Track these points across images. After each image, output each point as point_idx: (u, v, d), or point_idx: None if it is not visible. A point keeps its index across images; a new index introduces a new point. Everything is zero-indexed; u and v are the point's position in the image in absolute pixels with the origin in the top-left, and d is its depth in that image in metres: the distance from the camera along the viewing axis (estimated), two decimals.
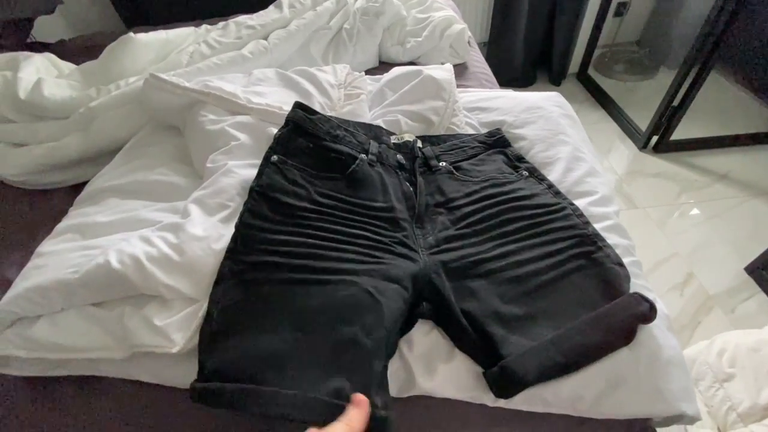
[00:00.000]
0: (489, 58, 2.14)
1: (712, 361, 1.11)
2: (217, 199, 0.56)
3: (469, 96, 0.81)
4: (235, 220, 0.55)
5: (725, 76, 2.03)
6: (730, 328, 1.24)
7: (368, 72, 1.08)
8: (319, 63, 1.00)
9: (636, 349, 0.47)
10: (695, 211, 1.55)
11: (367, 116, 0.76)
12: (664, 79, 2.15)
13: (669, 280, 1.36)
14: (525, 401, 0.47)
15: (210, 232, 0.52)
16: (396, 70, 0.82)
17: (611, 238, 0.58)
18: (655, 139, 1.77)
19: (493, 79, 1.06)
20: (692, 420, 0.49)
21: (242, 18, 1.06)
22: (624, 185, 1.68)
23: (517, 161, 0.66)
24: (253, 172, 0.62)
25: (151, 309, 0.50)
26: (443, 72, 0.79)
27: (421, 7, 1.13)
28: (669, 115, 1.67)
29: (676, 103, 1.63)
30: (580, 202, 0.62)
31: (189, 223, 0.53)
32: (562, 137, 0.69)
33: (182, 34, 1.01)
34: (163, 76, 0.70)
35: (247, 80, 0.79)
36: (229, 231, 0.54)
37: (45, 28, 1.59)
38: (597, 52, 2.19)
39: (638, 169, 1.74)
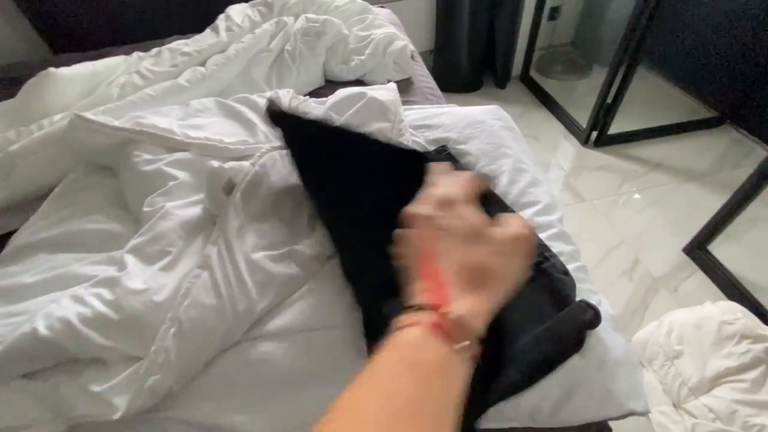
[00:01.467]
0: (436, 66, 2.21)
1: (662, 341, 1.19)
2: (156, 246, 0.53)
3: (414, 114, 0.83)
4: (179, 266, 0.53)
5: (652, 72, 2.20)
6: (676, 306, 1.34)
7: (315, 92, 1.08)
8: (262, 87, 0.98)
9: (586, 354, 0.49)
10: (636, 199, 1.66)
11: None
12: (598, 77, 2.30)
13: (619, 267, 1.44)
14: (487, 418, 0.47)
15: (150, 283, 0.49)
16: (340, 93, 0.81)
17: (557, 246, 0.61)
18: (594, 134, 1.88)
19: (438, 92, 1.09)
20: (642, 414, 0.52)
21: (177, 44, 1.02)
22: (571, 180, 1.78)
23: None
24: (196, 210, 0.59)
25: (90, 374, 0.47)
26: (387, 92, 0.79)
27: (362, 24, 1.14)
28: (605, 112, 1.79)
29: (609, 100, 1.75)
30: (525, 213, 0.64)
31: (126, 275, 0.49)
32: (504, 150, 0.72)
33: (112, 64, 0.95)
34: (90, 115, 0.66)
35: (184, 112, 0.76)
36: (173, 279, 0.51)
37: None
38: (536, 55, 2.30)
39: (582, 163, 1.84)
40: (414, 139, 0.78)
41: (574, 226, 1.57)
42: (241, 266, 0.52)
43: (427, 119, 0.81)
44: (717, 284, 1.36)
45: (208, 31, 1.07)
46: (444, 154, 0.72)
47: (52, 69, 0.84)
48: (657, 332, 1.20)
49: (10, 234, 0.65)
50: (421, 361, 0.24)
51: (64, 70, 0.85)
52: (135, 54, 1.03)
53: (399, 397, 0.23)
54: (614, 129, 1.84)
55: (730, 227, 1.33)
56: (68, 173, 0.74)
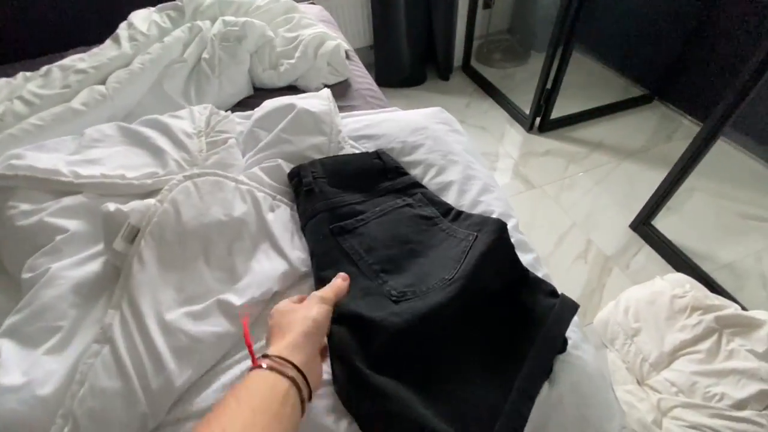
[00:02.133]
0: (377, 62, 2.14)
1: (621, 320, 1.22)
2: (40, 323, 0.42)
3: (353, 123, 0.75)
4: (73, 344, 0.43)
5: (586, 56, 2.27)
6: (628, 283, 1.38)
7: (243, 101, 0.98)
8: (179, 102, 0.86)
9: (556, 383, 0.46)
10: (582, 182, 1.70)
11: (241, 164, 0.66)
12: (536, 62, 2.35)
13: (573, 251, 1.47)
14: None
15: (33, 373, 0.39)
16: (267, 105, 0.73)
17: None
18: (538, 120, 1.91)
19: (378, 93, 1.02)
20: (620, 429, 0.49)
21: (70, 60, 0.87)
22: (520, 167, 1.79)
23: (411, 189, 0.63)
24: (93, 267, 0.49)
25: None
26: (320, 102, 0.71)
27: (288, 25, 1.04)
28: (545, 98, 1.81)
29: (549, 86, 1.77)
30: None
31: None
32: (452, 157, 0.67)
33: None
34: None
35: (77, 144, 0.64)
36: (64, 363, 0.41)
37: None
38: (475, 44, 2.30)
39: (529, 150, 1.87)
40: (355, 153, 0.71)
41: (527, 214, 1.58)
42: (153, 332, 0.43)
43: (368, 128, 0.74)
44: (664, 257, 1.42)
45: (108, 42, 0.92)
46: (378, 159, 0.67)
47: None
48: (615, 311, 1.23)
49: None
50: (255, 388, 0.33)
51: None
52: (20, 75, 0.87)
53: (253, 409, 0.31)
54: (555, 113, 1.88)
55: (669, 200, 1.38)
56: None
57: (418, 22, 2.00)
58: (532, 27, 2.35)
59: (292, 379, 0.34)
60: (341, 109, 0.88)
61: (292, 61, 0.95)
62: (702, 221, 1.51)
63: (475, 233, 0.54)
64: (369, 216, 0.59)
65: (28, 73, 0.88)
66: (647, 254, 1.45)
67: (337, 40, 1.00)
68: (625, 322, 1.20)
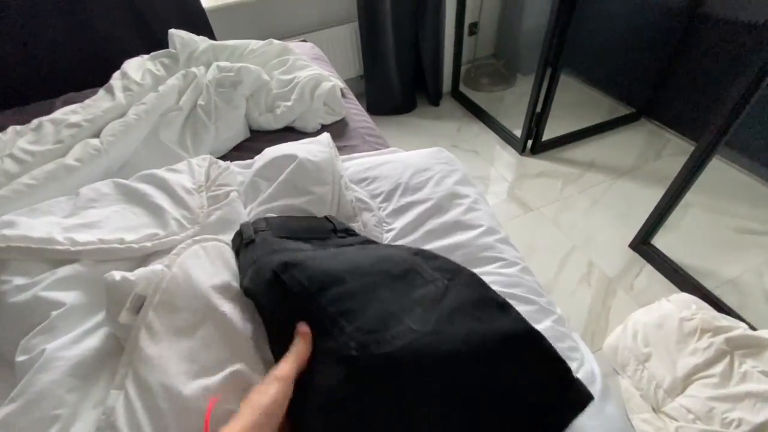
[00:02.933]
0: (368, 91, 2.17)
1: (630, 345, 1.20)
2: (36, 413, 0.39)
3: (354, 166, 0.75)
4: (74, 429, 0.40)
5: (573, 77, 2.33)
6: (634, 305, 1.37)
7: (241, 145, 0.97)
8: (176, 151, 0.85)
9: None
10: (579, 202, 1.71)
11: (243, 218, 0.65)
12: (523, 85, 2.41)
13: (576, 274, 1.46)
14: None
15: None
16: (268, 154, 0.71)
17: (528, 307, 0.55)
18: (530, 142, 1.93)
19: (376, 131, 1.02)
20: None
21: (62, 113, 0.86)
22: (516, 190, 1.80)
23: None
24: (92, 343, 0.46)
25: None
26: (321, 148, 0.71)
27: (283, 67, 1.05)
28: (536, 120, 1.84)
29: (538, 109, 1.80)
30: (487, 269, 0.58)
31: None
32: (457, 201, 0.66)
33: None
34: None
35: (72, 205, 0.62)
36: None
37: None
38: (463, 70, 2.35)
39: (523, 172, 1.88)
40: (357, 196, 0.70)
41: (526, 238, 1.58)
42: (165, 412, 0.40)
43: (369, 171, 0.73)
44: (666, 276, 1.42)
45: (101, 92, 0.92)
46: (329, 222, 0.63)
47: None
48: (624, 336, 1.22)
49: None
50: None
51: None
52: (10, 129, 0.85)
53: None
54: (546, 135, 1.91)
55: (667, 219, 1.39)
56: None
57: (406, 50, 2.04)
58: (517, 51, 2.42)
59: None
60: (340, 149, 0.88)
61: (289, 103, 0.95)
62: (700, 238, 1.52)
63: (446, 281, 0.47)
64: (321, 253, 0.51)
65: (18, 127, 0.86)
66: (649, 274, 1.44)
67: (333, 81, 1.00)
68: (635, 348, 1.18)
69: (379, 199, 0.69)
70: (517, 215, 1.69)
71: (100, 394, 0.43)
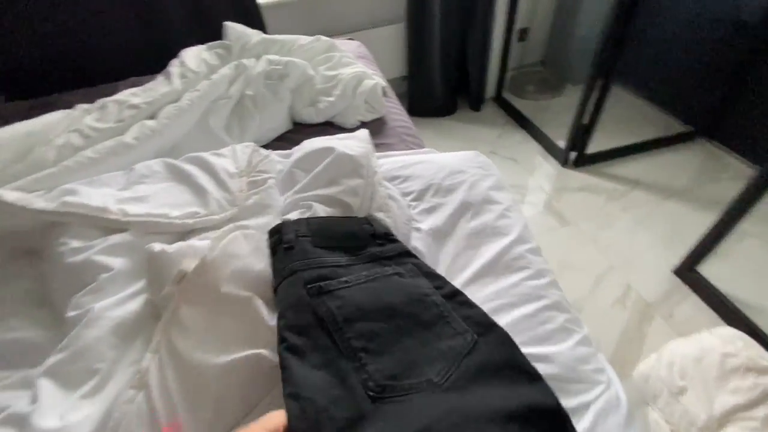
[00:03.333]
0: (409, 92, 2.18)
1: (664, 375, 1.13)
2: (80, 365, 0.43)
3: (388, 164, 0.76)
4: (108, 387, 0.43)
5: (625, 90, 2.22)
6: (672, 333, 1.29)
7: (283, 136, 1.00)
8: (222, 137, 0.90)
9: None
10: (620, 220, 1.63)
11: (279, 204, 0.67)
12: (571, 95, 2.32)
13: (611, 295, 1.39)
14: None
15: (68, 418, 0.40)
16: (307, 146, 0.74)
17: (555, 321, 0.54)
18: (573, 154, 1.86)
19: (413, 130, 1.03)
20: None
21: (125, 95, 0.93)
22: (554, 202, 1.74)
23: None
24: (133, 306, 0.50)
25: None
26: (358, 143, 0.72)
27: (329, 63, 1.07)
28: (582, 132, 1.77)
29: (585, 121, 1.73)
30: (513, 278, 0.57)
31: (37, 411, 0.39)
32: (488, 206, 0.65)
33: (51, 122, 0.85)
34: (8, 196, 0.56)
35: (126, 179, 0.67)
36: (99, 407, 0.41)
37: None
38: (508, 75, 2.30)
39: (563, 185, 1.82)
40: (389, 193, 0.71)
41: (560, 253, 1.53)
42: (192, 378, 0.43)
43: (403, 169, 0.74)
44: (711, 307, 1.32)
45: (160, 78, 0.98)
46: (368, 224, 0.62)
47: None
48: (658, 366, 1.15)
49: None
50: None
51: None
52: (79, 107, 0.93)
53: None
54: (592, 148, 1.83)
55: (719, 246, 1.30)
56: None
57: (451, 53, 2.03)
58: (567, 59, 2.33)
59: None
60: (376, 147, 0.89)
61: (331, 98, 0.98)
62: (754, 270, 1.41)
63: (475, 335, 0.46)
64: (352, 280, 0.52)
65: (86, 106, 0.94)
66: (693, 303, 1.35)
67: (376, 79, 1.02)
68: (670, 379, 1.11)
69: (410, 197, 0.69)
70: (553, 228, 1.63)
71: (136, 354, 0.47)
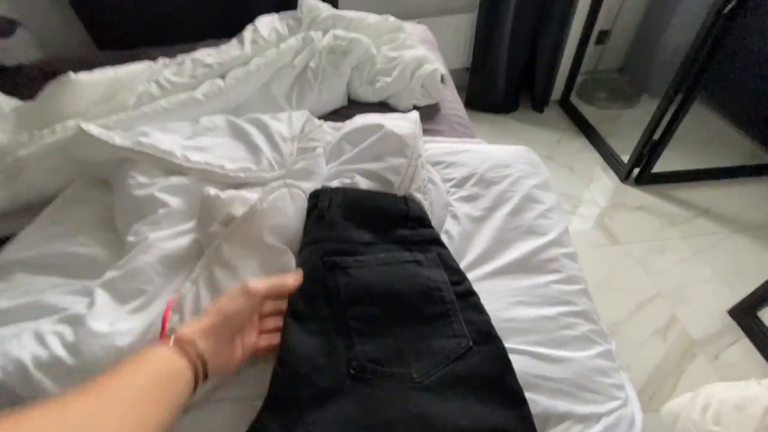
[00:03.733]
0: (471, 85, 2.13)
1: (696, 418, 1.06)
2: (131, 284, 0.49)
3: (434, 148, 0.76)
4: (152, 306, 0.48)
5: (706, 108, 2.03)
6: (714, 376, 1.20)
7: (338, 111, 1.03)
8: (281, 104, 0.94)
9: None
10: (677, 248, 1.51)
11: (323, 172, 0.70)
12: (646, 107, 2.15)
13: (652, 324, 1.31)
14: None
15: (117, 326, 0.45)
16: (357, 121, 0.76)
17: (579, 328, 0.52)
18: (636, 171, 1.74)
19: (466, 121, 1.01)
20: None
21: (201, 54, 1.00)
22: (606, 219, 1.65)
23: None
24: (182, 242, 0.55)
25: None
26: (407, 124, 0.73)
27: (392, 44, 1.08)
28: (650, 148, 1.65)
29: (656, 137, 1.61)
30: (541, 279, 0.56)
31: (91, 314, 0.45)
32: (530, 203, 0.64)
33: (135, 71, 0.94)
34: (93, 129, 0.64)
35: (192, 130, 0.73)
36: (141, 322, 0.47)
37: (12, 48, 1.53)
38: (579, 79, 2.18)
39: (620, 201, 1.71)
40: (429, 176, 0.71)
41: (603, 271, 1.45)
42: None
43: (448, 155, 0.74)
44: (765, 356, 1.20)
45: (234, 41, 1.04)
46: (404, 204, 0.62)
47: (71, 74, 0.83)
48: (691, 406, 1.07)
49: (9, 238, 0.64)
50: (156, 360, 0.36)
51: (82, 76, 0.84)
52: (161, 61, 1.02)
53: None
54: (659, 167, 1.70)
55: None
56: (72, 183, 0.72)
57: (520, 49, 1.95)
58: (649, 68, 2.16)
59: (192, 362, 0.37)
60: (426, 132, 0.89)
61: (389, 79, 0.99)
62: None
63: (471, 342, 0.46)
64: (368, 261, 0.52)
65: (167, 60, 1.02)
66: (745, 348, 1.24)
67: (436, 65, 1.01)
68: (702, 423, 1.03)
69: (451, 183, 0.69)
70: (601, 245, 1.55)
71: (179, 283, 0.52)
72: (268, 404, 0.41)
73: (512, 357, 0.46)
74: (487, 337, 0.47)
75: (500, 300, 0.54)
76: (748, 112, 1.87)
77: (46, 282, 0.54)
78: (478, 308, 0.50)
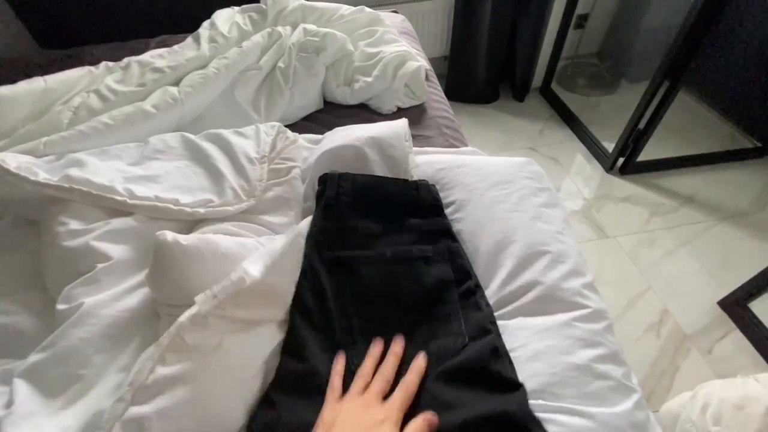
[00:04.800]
0: (450, 74, 2.04)
1: (696, 418, 1.04)
2: (62, 369, 0.39)
3: (425, 163, 0.67)
4: (93, 394, 0.38)
5: (689, 95, 2.01)
6: (709, 371, 1.19)
7: (311, 116, 0.92)
8: (247, 112, 0.83)
9: None
10: (665, 240, 1.49)
11: (299, 198, 0.60)
12: (625, 93, 2.13)
13: (645, 320, 1.29)
14: None
15: (45, 428, 0.35)
16: (335, 139, 0.65)
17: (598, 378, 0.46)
18: (621, 160, 1.71)
19: (455, 123, 0.93)
20: None
21: (149, 56, 0.86)
22: (593, 211, 1.62)
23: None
24: (130, 302, 0.45)
25: None
26: (395, 134, 0.64)
27: (370, 39, 0.97)
28: (635, 138, 1.62)
29: (641, 125, 1.58)
30: (560, 317, 0.49)
31: (10, 417, 0.35)
32: (539, 225, 0.56)
33: (71, 80, 0.80)
34: (11, 163, 0.51)
35: (139, 153, 0.61)
36: (77, 419, 0.37)
37: None
38: (559, 66, 2.12)
39: (606, 192, 1.68)
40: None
41: (593, 267, 1.42)
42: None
43: (442, 172, 0.65)
44: (758, 349, 1.20)
45: (188, 40, 0.91)
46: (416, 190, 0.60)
47: None
48: (690, 406, 1.05)
49: None
50: None
51: (5, 90, 0.70)
52: (102, 65, 0.87)
53: None
54: (643, 156, 1.67)
55: None
56: None
57: (500, 36, 1.87)
58: (628, 53, 2.13)
59: None
60: (414, 138, 0.80)
61: (369, 79, 0.89)
62: None
63: (467, 339, 0.46)
64: (375, 256, 0.52)
65: (110, 64, 0.88)
66: (737, 341, 1.23)
67: (420, 62, 0.91)
68: (702, 423, 1.02)
69: (450, 209, 0.61)
70: (589, 239, 1.52)
71: (127, 359, 0.42)
72: (275, 384, 0.43)
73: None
74: (482, 332, 0.47)
75: (524, 347, 0.47)
76: (730, 99, 1.86)
77: None
78: (478, 306, 0.50)
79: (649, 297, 1.34)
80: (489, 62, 1.94)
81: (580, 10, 1.99)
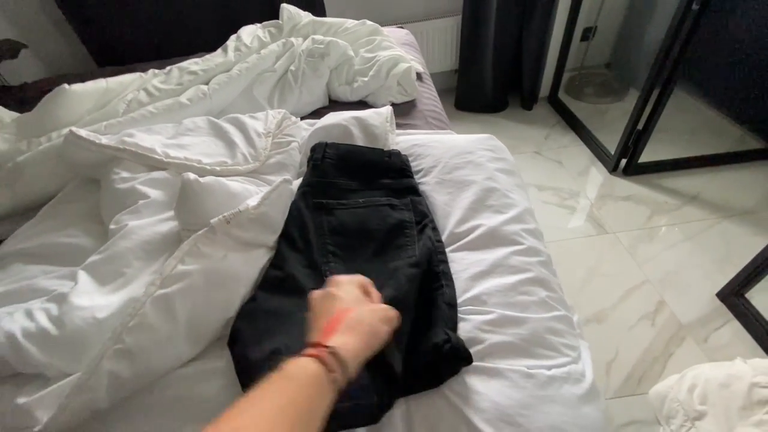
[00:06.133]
0: (459, 87, 2.18)
1: (683, 398, 1.07)
2: (112, 266, 0.53)
3: (404, 141, 0.80)
4: (132, 286, 0.53)
5: (692, 96, 2.05)
6: (703, 359, 1.20)
7: (318, 111, 1.08)
8: (263, 106, 1.00)
9: None
10: (666, 235, 1.52)
11: (296, 165, 0.75)
12: (633, 100, 2.17)
13: (640, 309, 1.32)
14: None
15: (96, 300, 0.50)
16: (325, 119, 0.80)
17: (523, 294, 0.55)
18: (623, 162, 1.76)
19: (442, 115, 1.05)
20: None
21: (187, 63, 1.06)
22: (595, 210, 1.67)
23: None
24: (161, 229, 0.60)
25: (31, 388, 0.47)
26: (377, 117, 0.77)
27: (369, 46, 1.13)
28: (635, 139, 1.67)
29: (640, 126, 1.64)
30: (499, 252, 0.59)
31: (74, 292, 0.50)
32: (490, 183, 0.68)
33: (125, 81, 1.00)
34: (81, 132, 0.69)
35: (175, 130, 0.78)
36: (119, 299, 0.51)
37: (21, 68, 1.62)
38: (567, 76, 2.21)
39: (608, 192, 1.73)
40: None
41: (591, 260, 1.47)
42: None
43: (417, 147, 0.78)
44: (754, 337, 1.21)
45: (219, 50, 1.10)
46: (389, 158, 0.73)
47: (65, 85, 0.89)
48: (678, 387, 1.08)
49: None
50: (296, 375, 0.32)
51: (77, 87, 0.91)
52: (150, 71, 1.08)
53: (274, 400, 0.30)
54: (647, 157, 1.72)
55: None
56: (67, 184, 0.78)
57: (506, 50, 1.99)
58: (635, 62, 2.19)
59: (335, 382, 0.33)
60: (401, 126, 0.94)
61: (366, 78, 1.04)
62: None
63: (416, 258, 0.57)
64: (350, 203, 0.66)
65: (156, 71, 1.09)
66: (733, 330, 1.24)
67: (410, 63, 1.06)
68: (688, 402, 1.04)
69: (419, 174, 0.73)
70: (589, 235, 1.57)
71: (157, 266, 0.56)
72: (262, 286, 0.55)
73: (475, 318, 0.52)
74: (430, 254, 0.59)
75: (466, 270, 0.58)
76: (734, 99, 1.88)
77: (38, 269, 0.59)
78: (430, 239, 0.62)
79: (645, 288, 1.37)
80: (496, 74, 2.07)
81: (585, 23, 2.10)
